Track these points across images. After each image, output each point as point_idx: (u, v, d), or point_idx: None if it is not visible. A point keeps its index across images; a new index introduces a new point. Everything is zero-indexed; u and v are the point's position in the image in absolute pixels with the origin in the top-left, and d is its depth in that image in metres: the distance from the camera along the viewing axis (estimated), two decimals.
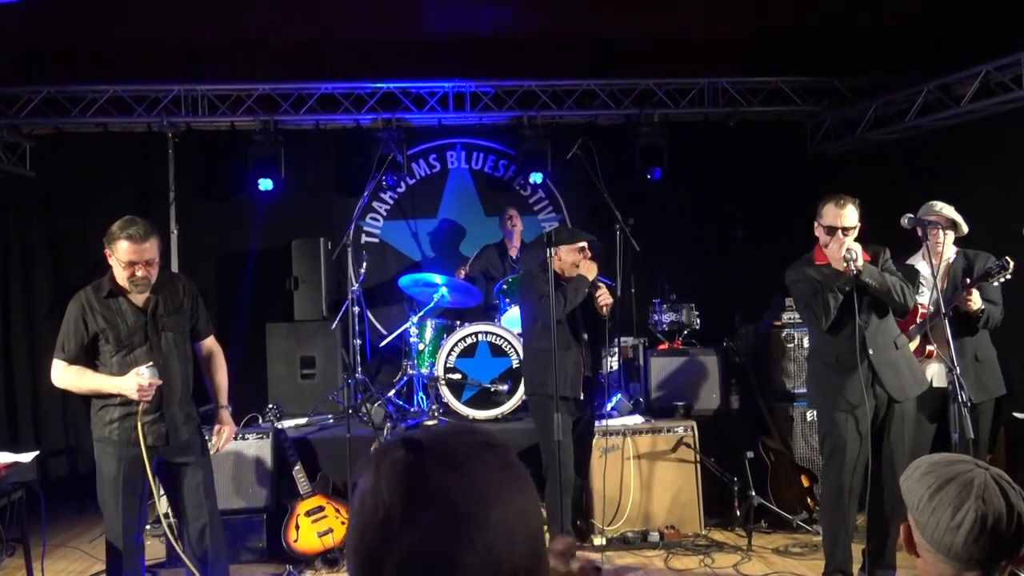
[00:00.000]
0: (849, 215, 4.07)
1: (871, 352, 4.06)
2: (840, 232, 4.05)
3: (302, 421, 6.32)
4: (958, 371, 3.68)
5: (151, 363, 3.85)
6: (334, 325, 6.81)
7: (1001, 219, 6.10)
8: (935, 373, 4.58)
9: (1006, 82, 6.24)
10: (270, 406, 5.72)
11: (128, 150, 7.75)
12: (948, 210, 4.63)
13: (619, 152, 7.66)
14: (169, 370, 3.97)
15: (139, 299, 3.95)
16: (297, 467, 5.42)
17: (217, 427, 4.27)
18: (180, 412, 4.04)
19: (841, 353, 4.15)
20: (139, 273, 3.84)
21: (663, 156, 7.63)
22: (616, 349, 6.69)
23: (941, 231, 4.51)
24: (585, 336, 5.13)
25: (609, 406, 6.17)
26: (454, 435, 1.02)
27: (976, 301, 4.36)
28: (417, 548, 0.92)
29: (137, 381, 3.80)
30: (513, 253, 7.21)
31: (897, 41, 7.50)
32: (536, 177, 7.64)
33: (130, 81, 7.36)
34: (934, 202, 4.67)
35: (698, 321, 6.59)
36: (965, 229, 4.62)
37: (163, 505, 4.47)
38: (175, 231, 7.65)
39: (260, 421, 5.82)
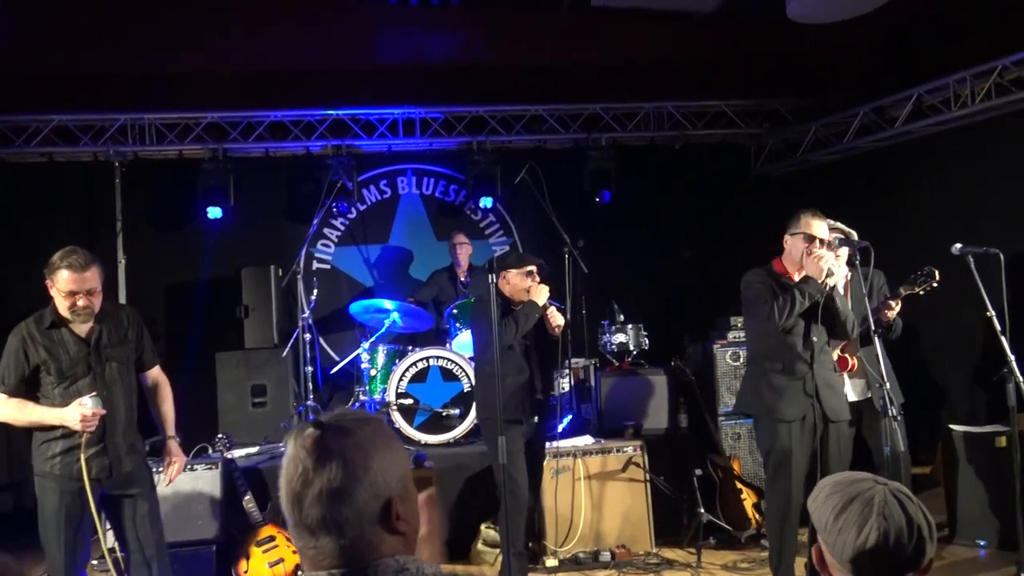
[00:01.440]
0: (825, 229, 4.22)
1: (815, 367, 4.16)
2: (818, 242, 4.18)
3: (253, 450, 6.29)
4: (887, 386, 3.81)
5: (94, 393, 3.84)
6: (285, 353, 6.81)
7: (933, 237, 6.32)
8: (852, 387, 4.72)
9: (937, 104, 6.51)
10: (220, 436, 5.69)
11: (74, 180, 7.71)
12: (846, 228, 4.80)
13: (568, 176, 7.81)
14: (113, 401, 3.96)
15: (82, 329, 3.94)
16: (247, 497, 5.40)
17: (167, 459, 4.26)
18: (124, 443, 4.02)
19: (788, 360, 4.21)
20: (80, 303, 3.84)
21: (611, 179, 7.79)
22: (568, 371, 6.78)
23: (842, 249, 4.65)
24: (537, 359, 5.19)
25: (560, 427, 6.24)
26: (343, 415, 1.51)
27: (895, 311, 4.51)
28: (326, 487, 1.41)
29: (80, 411, 3.78)
30: (462, 277, 7.29)
31: (836, 66, 7.76)
32: (486, 201, 7.75)
33: (76, 111, 7.33)
34: (832, 221, 4.82)
35: (647, 342, 6.70)
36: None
37: (109, 540, 4.44)
38: (123, 261, 7.59)
39: (210, 451, 5.79)
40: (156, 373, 4.30)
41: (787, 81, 7.99)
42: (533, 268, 4.98)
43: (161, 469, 4.25)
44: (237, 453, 5.71)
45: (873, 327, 4.08)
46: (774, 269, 4.31)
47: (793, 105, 8.07)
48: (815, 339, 4.14)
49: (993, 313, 4.09)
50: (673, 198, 8.22)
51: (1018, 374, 4.00)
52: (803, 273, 4.16)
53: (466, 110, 7.77)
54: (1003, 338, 4.04)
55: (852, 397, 4.67)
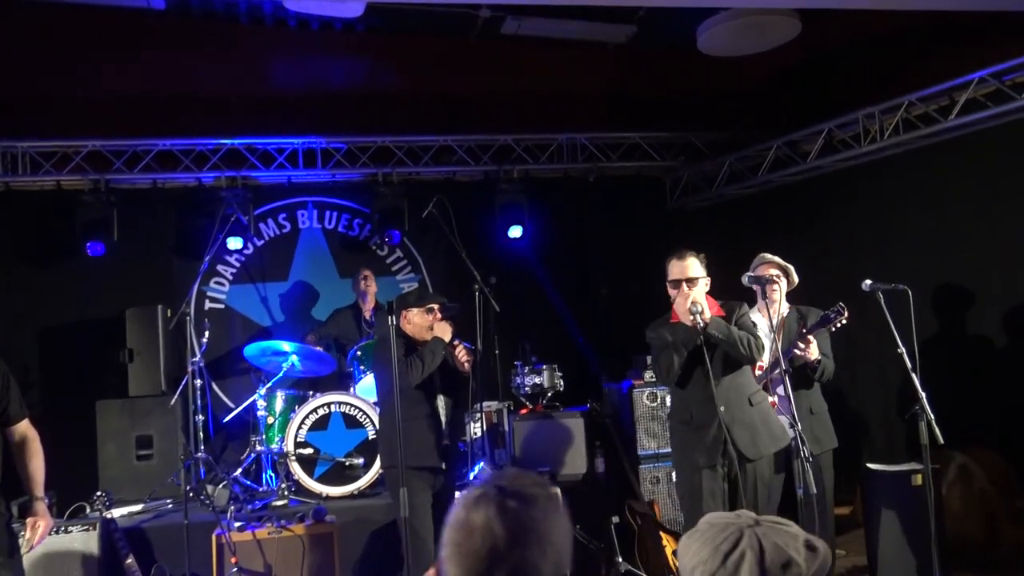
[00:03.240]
0: (691, 266, 4.31)
1: (721, 409, 4.26)
2: (684, 284, 4.28)
3: (136, 508, 6.08)
4: (799, 427, 3.94)
5: None
6: (173, 400, 6.62)
7: (847, 271, 6.59)
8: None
9: (847, 139, 6.82)
10: (99, 493, 5.47)
11: None
12: (778, 259, 4.99)
13: (479, 209, 7.87)
14: None
15: None
16: (129, 560, 5.19)
17: (31, 520, 4.07)
18: None
19: (695, 410, 4.35)
20: None
21: (524, 213, 7.87)
22: (479, 414, 6.78)
23: (774, 283, 4.83)
24: (445, 402, 5.19)
25: (472, 475, 6.23)
26: (520, 478, 1.62)
27: (814, 351, 4.68)
28: (519, 564, 1.51)
29: None
30: (367, 315, 7.24)
31: (750, 99, 8.07)
32: (393, 237, 7.73)
33: None
34: (765, 254, 5.01)
35: (561, 383, 6.77)
36: (796, 278, 4.98)
37: None
38: None
39: (88, 511, 5.57)
40: (24, 427, 4.11)
41: (702, 114, 8.25)
42: (435, 306, 5.00)
43: (24, 532, 4.06)
44: (118, 512, 5.51)
45: (784, 366, 4.21)
46: (671, 318, 4.43)
47: (708, 138, 8.33)
48: (715, 382, 4.24)
49: (903, 350, 4.27)
50: (588, 232, 8.36)
51: (929, 412, 4.17)
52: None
53: (371, 140, 7.76)
54: (913, 375, 4.22)
55: None
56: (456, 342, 4.98)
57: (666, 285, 4.43)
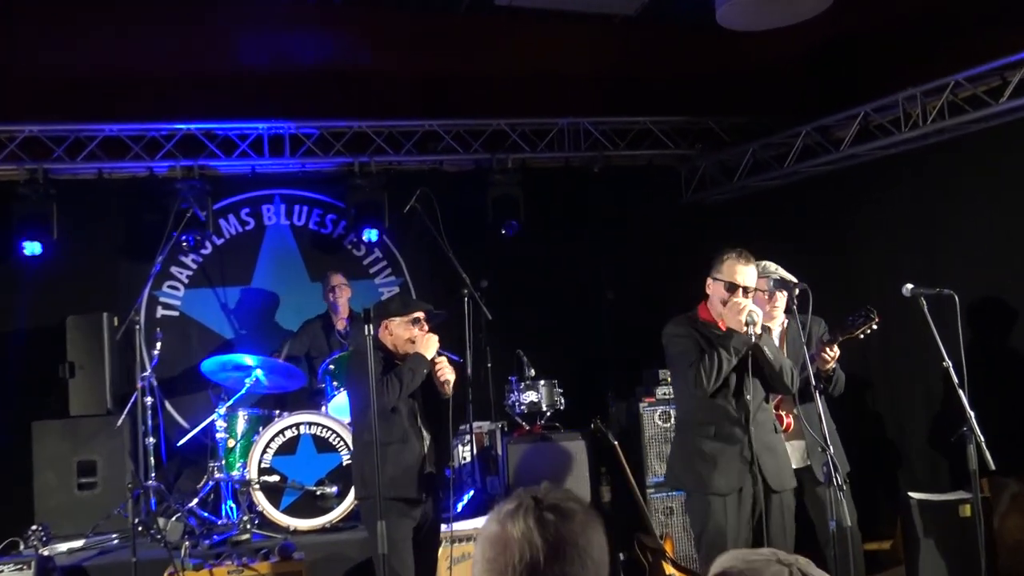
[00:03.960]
0: (752, 274, 4.33)
1: (752, 430, 4.25)
2: (741, 291, 4.27)
3: (78, 544, 6.04)
4: (831, 451, 3.92)
5: None
6: (121, 421, 6.59)
7: (884, 274, 6.60)
8: (790, 451, 4.84)
9: (885, 124, 6.82)
10: (34, 527, 5.48)
11: None
12: (782, 271, 4.95)
13: (469, 204, 7.87)
14: None
15: None
16: None
17: None
18: None
19: (720, 424, 4.29)
20: None
21: (520, 207, 7.88)
22: (469, 437, 6.77)
23: (780, 293, 4.80)
24: (429, 423, 5.16)
25: (460, 506, 6.22)
26: (556, 492, 1.74)
27: (832, 359, 4.64)
28: None
29: None
30: (340, 326, 7.23)
31: (775, 80, 8.07)
32: (371, 234, 7.72)
33: None
34: (767, 263, 4.97)
35: (562, 400, 6.76)
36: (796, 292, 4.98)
37: None
38: None
39: (21, 547, 5.56)
40: None
41: (721, 96, 8.26)
42: (420, 315, 4.97)
43: None
44: (57, 548, 5.49)
45: (813, 381, 4.19)
46: (699, 317, 4.41)
47: (728, 123, 8.35)
48: (749, 397, 4.23)
49: (949, 364, 4.27)
50: (592, 229, 8.33)
51: (978, 434, 4.16)
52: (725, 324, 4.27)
53: (346, 125, 7.76)
54: (961, 392, 4.21)
55: (794, 464, 4.77)
56: (440, 356, 4.94)
57: (708, 283, 4.40)
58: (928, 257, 6.70)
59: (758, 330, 4.17)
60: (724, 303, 4.28)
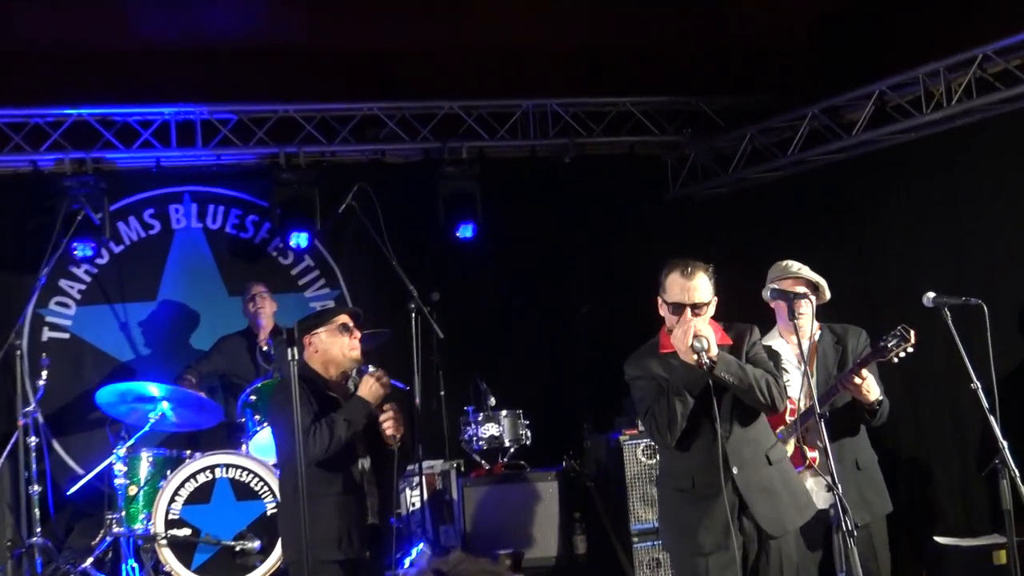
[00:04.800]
0: (700, 287, 4.25)
1: (735, 471, 4.23)
2: (689, 311, 4.24)
3: None
4: (839, 490, 3.94)
5: None
6: None
7: (902, 282, 6.66)
8: (815, 489, 4.86)
9: (904, 105, 6.90)
10: None
11: None
12: (807, 271, 4.99)
13: (416, 201, 7.89)
14: None
15: None
16: None
17: None
18: None
19: (697, 474, 4.30)
20: None
21: (476, 205, 7.88)
22: (419, 479, 6.75)
23: (805, 300, 4.83)
24: (371, 463, 5.12)
25: (407, 560, 6.20)
26: (466, 564, 1.74)
27: (873, 389, 4.67)
28: None
29: None
30: (264, 346, 7.18)
31: (778, 53, 8.15)
32: (300, 239, 7.68)
33: None
34: (789, 262, 5.01)
35: (529, 434, 6.75)
36: (827, 294, 5.00)
37: None
38: None
39: None
40: None
41: (714, 73, 8.31)
42: (346, 319, 4.92)
43: None
44: None
45: (818, 408, 4.22)
46: (660, 348, 4.39)
47: (722, 104, 8.39)
48: (724, 435, 4.22)
49: (979, 385, 4.30)
50: (563, 231, 8.36)
51: (1013, 467, 4.19)
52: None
53: (270, 109, 7.75)
54: (992, 418, 4.25)
55: (820, 504, 4.80)
56: (386, 405, 4.89)
57: (659, 304, 4.40)
58: (954, 260, 6.76)
59: (713, 353, 4.14)
60: (671, 328, 4.29)
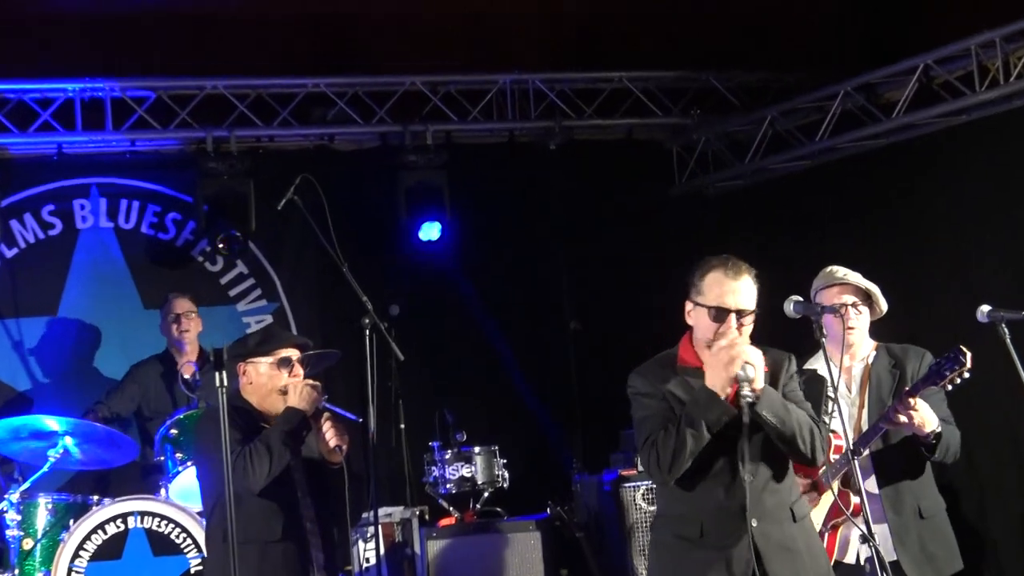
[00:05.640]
0: (746, 291, 4.21)
1: (753, 524, 4.19)
2: (734, 318, 4.18)
3: None
4: (876, 542, 3.92)
5: None
6: None
7: (952, 292, 6.67)
8: (855, 541, 4.85)
9: (953, 82, 6.93)
10: None
11: None
12: (855, 276, 4.97)
13: (372, 196, 7.89)
14: None
15: None
16: None
17: None
18: None
19: (708, 521, 4.24)
20: None
21: (444, 200, 7.87)
22: (374, 529, 6.72)
23: (852, 311, 4.82)
24: (314, 510, 5.12)
25: None
26: None
27: (928, 420, 4.64)
28: None
29: None
30: (187, 373, 7.13)
31: (805, 22, 8.17)
32: (232, 241, 7.65)
33: None
34: (834, 268, 5.00)
35: (506, 475, 6.73)
36: (883, 305, 4.98)
37: None
38: None
39: None
40: None
41: (728, 45, 8.32)
42: (292, 352, 4.92)
43: None
44: None
45: (850, 444, 4.20)
46: (679, 360, 4.33)
47: (739, 82, 8.41)
48: (748, 478, 4.17)
49: None
50: (548, 232, 8.36)
51: None
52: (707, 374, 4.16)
53: (195, 85, 7.74)
54: None
55: (851, 558, 4.79)
56: (324, 409, 4.90)
57: (687, 309, 4.34)
58: (1012, 266, 6.78)
59: (757, 387, 4.05)
60: (710, 340, 4.20)
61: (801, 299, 4.42)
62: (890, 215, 7.51)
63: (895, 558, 4.71)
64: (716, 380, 4.03)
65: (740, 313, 4.10)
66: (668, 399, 4.21)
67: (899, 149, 7.45)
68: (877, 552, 3.96)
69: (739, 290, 4.12)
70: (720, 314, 4.10)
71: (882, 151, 7.53)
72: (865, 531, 4.03)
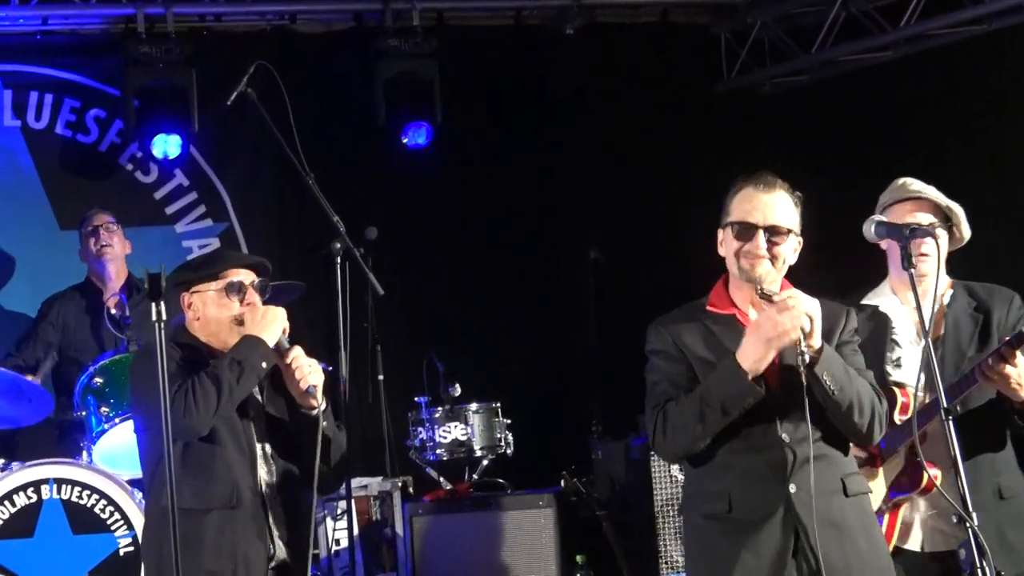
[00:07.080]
0: (779, 206, 4.21)
1: (792, 490, 4.22)
2: (761, 234, 4.18)
3: None
4: (975, 522, 3.97)
5: None
6: None
7: None
8: (927, 523, 4.90)
9: None
10: None
11: None
12: (933, 192, 4.95)
13: (343, 91, 7.95)
14: None
15: None
16: None
17: None
18: None
19: (736, 490, 4.28)
20: None
21: (434, 97, 7.91)
22: (347, 504, 6.79)
23: (929, 238, 4.78)
24: (278, 475, 5.17)
25: None
26: None
27: (1014, 376, 4.67)
28: None
29: None
30: (112, 305, 7.16)
31: None
32: (169, 145, 7.68)
33: None
34: (907, 180, 4.96)
35: (510, 439, 6.79)
36: (966, 231, 4.97)
37: None
38: None
39: None
40: None
41: None
42: (242, 276, 4.93)
43: None
44: None
45: (944, 403, 4.23)
46: (708, 304, 4.33)
47: None
48: (792, 444, 4.18)
49: None
50: (562, 138, 8.40)
51: None
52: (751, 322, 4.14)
53: None
54: None
55: (930, 545, 4.85)
56: (287, 349, 4.91)
57: (719, 239, 4.36)
58: None
59: (814, 344, 4.04)
60: (738, 261, 4.18)
61: (885, 219, 4.45)
62: (993, 119, 7.53)
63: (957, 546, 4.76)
64: (754, 350, 4.04)
65: (772, 231, 4.11)
66: (688, 356, 4.26)
67: (1004, 36, 7.47)
68: (976, 537, 4.00)
69: (771, 204, 4.14)
70: (745, 231, 4.13)
71: (983, 38, 7.55)
72: (960, 509, 4.06)
